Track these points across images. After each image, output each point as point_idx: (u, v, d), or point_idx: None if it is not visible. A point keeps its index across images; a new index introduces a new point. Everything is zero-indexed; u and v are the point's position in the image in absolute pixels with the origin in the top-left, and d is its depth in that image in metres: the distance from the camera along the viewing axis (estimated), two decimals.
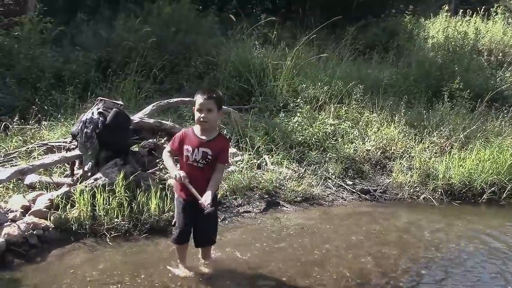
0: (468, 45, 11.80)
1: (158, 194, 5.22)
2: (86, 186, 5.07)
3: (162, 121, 6.68)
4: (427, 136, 7.69)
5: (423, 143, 7.51)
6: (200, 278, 4.21)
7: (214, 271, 4.35)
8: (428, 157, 7.19)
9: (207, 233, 4.23)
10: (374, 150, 7.37)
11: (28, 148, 6.29)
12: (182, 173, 3.86)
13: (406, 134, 7.71)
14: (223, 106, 4.24)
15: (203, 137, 3.98)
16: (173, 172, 3.91)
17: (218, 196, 5.67)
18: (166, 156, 4.08)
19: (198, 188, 3.87)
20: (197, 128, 4.04)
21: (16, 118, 7.04)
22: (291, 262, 4.62)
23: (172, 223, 4.33)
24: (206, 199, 3.77)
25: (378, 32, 12.94)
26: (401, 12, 14.07)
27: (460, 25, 14.23)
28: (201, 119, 3.94)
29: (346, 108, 8.18)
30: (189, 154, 3.96)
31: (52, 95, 7.76)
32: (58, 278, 4.15)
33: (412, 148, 7.45)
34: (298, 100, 8.12)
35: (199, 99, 3.95)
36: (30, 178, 5.55)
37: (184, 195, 4.04)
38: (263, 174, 6.41)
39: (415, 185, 6.83)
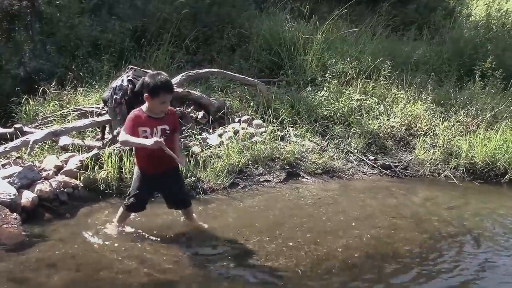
0: (509, 24, 11.50)
1: None
2: (114, 150, 5.36)
3: (190, 91, 6.90)
4: (453, 114, 7.68)
5: (449, 121, 7.50)
6: (212, 237, 4.48)
7: (224, 235, 4.60)
8: (453, 135, 7.19)
9: (181, 195, 4.49)
10: (398, 127, 7.41)
11: (63, 113, 6.64)
12: (156, 138, 3.94)
13: (432, 112, 7.71)
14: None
15: (157, 116, 4.10)
16: (147, 141, 3.93)
17: (240, 165, 5.95)
18: (127, 136, 4.01)
19: (165, 161, 4.10)
20: (147, 110, 4.10)
21: (53, 84, 7.39)
22: (303, 230, 4.81)
23: (127, 193, 4.43)
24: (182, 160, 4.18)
25: (417, 8, 12.65)
26: None
27: (506, 2, 13.76)
28: (163, 111, 4.10)
29: (373, 84, 8.19)
30: (147, 135, 4.06)
31: (88, 63, 8.05)
32: (84, 233, 4.46)
33: (437, 126, 7.45)
34: (327, 74, 8.17)
35: (165, 94, 4.00)
36: (64, 140, 5.89)
37: (151, 170, 4.21)
38: (286, 146, 6.58)
39: (437, 162, 6.88)
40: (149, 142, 3.93)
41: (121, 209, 4.46)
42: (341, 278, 4.08)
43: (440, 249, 4.70)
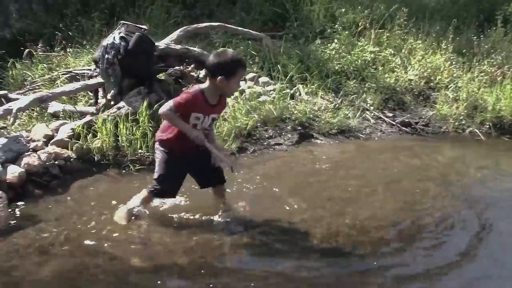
0: None
1: None
2: (108, 115, 4.84)
3: (189, 47, 6.32)
4: (476, 64, 7.13)
5: (472, 72, 6.97)
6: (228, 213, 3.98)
7: (234, 208, 4.10)
8: (477, 87, 6.69)
9: (219, 170, 3.88)
10: (417, 80, 6.91)
11: (52, 76, 6.09)
12: (201, 133, 3.52)
13: (453, 63, 7.17)
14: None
15: (213, 102, 3.56)
16: (193, 133, 3.48)
17: (248, 127, 5.44)
18: (174, 116, 3.50)
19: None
20: (208, 92, 3.52)
21: (40, 45, 6.81)
22: (322, 199, 4.32)
23: (156, 177, 3.70)
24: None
25: None
26: None
27: None
28: (236, 90, 3.69)
29: (388, 34, 7.60)
30: (198, 122, 3.53)
31: (78, 22, 7.50)
32: (80, 211, 3.97)
33: (459, 77, 6.94)
34: (336, 25, 7.59)
35: (243, 71, 3.56)
36: (54, 107, 5.36)
37: (183, 150, 3.61)
38: (296, 105, 6.05)
39: (461, 117, 6.39)
40: (193, 134, 3.48)
41: (144, 192, 3.82)
42: (369, 252, 3.61)
43: (477, 216, 4.20)
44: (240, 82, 3.61)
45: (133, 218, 3.80)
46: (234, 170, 3.68)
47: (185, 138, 3.54)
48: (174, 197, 3.86)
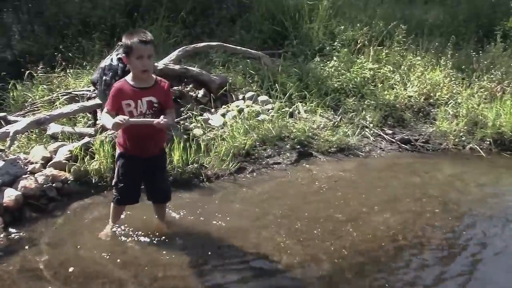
0: None
1: (182, 145, 4.95)
2: (106, 137, 4.83)
3: (188, 67, 6.33)
4: (476, 80, 7.09)
5: (472, 88, 6.93)
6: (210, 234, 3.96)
7: (232, 229, 4.08)
8: (477, 103, 6.63)
9: (165, 186, 3.91)
10: (416, 96, 6.86)
11: (52, 98, 6.11)
12: (121, 117, 3.30)
13: (453, 79, 7.13)
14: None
15: (140, 86, 3.50)
16: (112, 121, 3.31)
17: (246, 147, 5.42)
18: (103, 115, 3.52)
19: (152, 143, 3.64)
20: (131, 79, 3.51)
21: (41, 66, 6.84)
22: (320, 220, 4.27)
23: (113, 183, 3.82)
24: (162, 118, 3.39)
25: None
26: None
27: None
28: (144, 68, 3.43)
29: (387, 51, 7.59)
30: (132, 109, 3.46)
31: (79, 42, 7.54)
32: (76, 234, 3.94)
33: (459, 93, 6.89)
34: (335, 43, 7.59)
35: (138, 44, 3.36)
36: (53, 128, 5.37)
37: (135, 152, 3.62)
38: (295, 123, 6.01)
39: (461, 134, 6.31)
40: (110, 124, 3.31)
41: (111, 205, 3.89)
42: (367, 276, 3.58)
43: (477, 236, 4.16)
44: (144, 59, 3.37)
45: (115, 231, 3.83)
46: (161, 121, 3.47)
47: (136, 143, 3.57)
48: (134, 203, 3.87)
